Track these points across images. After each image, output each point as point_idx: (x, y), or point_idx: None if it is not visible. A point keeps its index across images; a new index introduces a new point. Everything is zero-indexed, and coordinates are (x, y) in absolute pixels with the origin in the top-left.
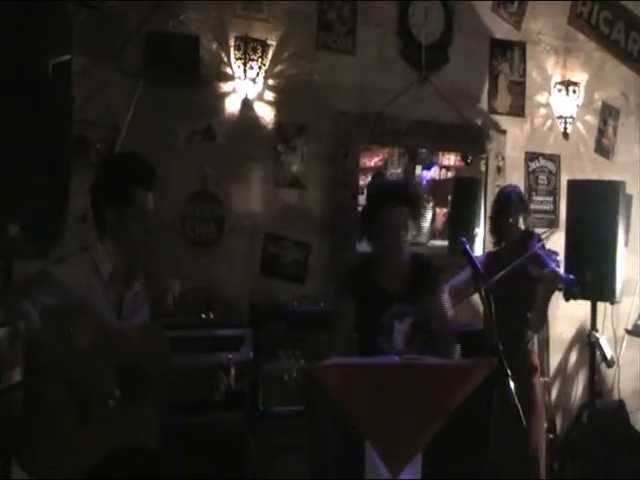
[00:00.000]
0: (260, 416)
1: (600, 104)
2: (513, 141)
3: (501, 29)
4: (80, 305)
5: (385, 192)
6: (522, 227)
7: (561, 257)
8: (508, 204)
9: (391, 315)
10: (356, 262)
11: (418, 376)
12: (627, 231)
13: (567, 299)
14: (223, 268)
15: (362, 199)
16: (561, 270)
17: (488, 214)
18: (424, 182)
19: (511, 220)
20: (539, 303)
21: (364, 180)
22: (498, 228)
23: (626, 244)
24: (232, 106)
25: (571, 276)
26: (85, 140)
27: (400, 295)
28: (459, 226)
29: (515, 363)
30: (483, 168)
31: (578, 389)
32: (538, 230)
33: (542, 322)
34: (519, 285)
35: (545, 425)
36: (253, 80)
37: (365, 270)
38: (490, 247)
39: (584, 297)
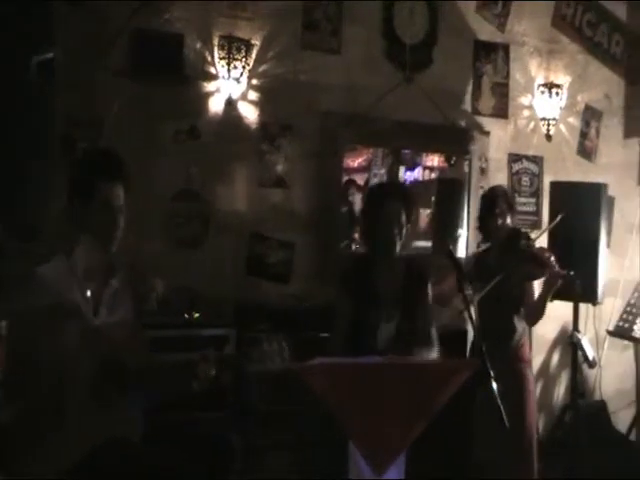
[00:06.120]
0: (244, 415)
1: (583, 106)
2: (496, 142)
3: (485, 30)
4: (62, 303)
5: (382, 190)
6: (509, 226)
7: None
8: (494, 205)
9: (379, 317)
10: (352, 260)
11: (402, 376)
12: (609, 233)
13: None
14: (208, 268)
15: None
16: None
17: (476, 214)
18: (407, 183)
19: (498, 220)
20: (535, 298)
21: None
22: (485, 228)
23: (608, 245)
24: (216, 106)
25: (571, 272)
26: (70, 138)
27: (391, 298)
28: (442, 227)
29: (506, 356)
30: (466, 169)
31: (560, 389)
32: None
33: (538, 317)
34: (510, 283)
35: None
36: (237, 80)
37: (361, 269)
38: (474, 248)
39: (566, 298)
